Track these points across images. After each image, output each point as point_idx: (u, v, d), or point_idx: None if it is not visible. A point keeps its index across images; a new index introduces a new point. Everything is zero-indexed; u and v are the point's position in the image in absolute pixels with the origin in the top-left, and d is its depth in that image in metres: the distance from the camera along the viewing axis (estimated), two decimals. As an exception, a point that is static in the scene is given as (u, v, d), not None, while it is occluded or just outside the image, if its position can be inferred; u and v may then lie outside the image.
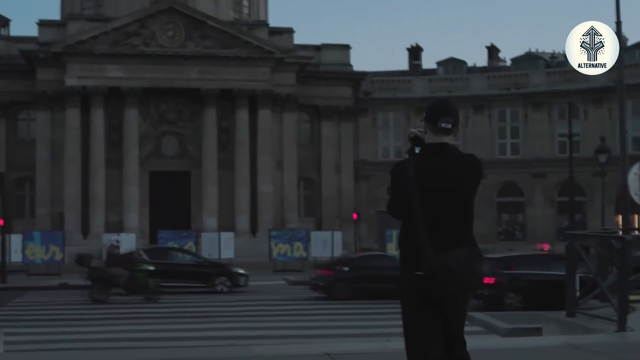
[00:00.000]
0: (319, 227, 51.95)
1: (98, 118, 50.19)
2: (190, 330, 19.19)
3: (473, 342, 13.60)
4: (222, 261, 36.90)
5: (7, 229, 38.67)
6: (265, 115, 52.07)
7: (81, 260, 28.81)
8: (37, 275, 38.40)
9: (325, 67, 55.82)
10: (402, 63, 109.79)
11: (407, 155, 5.20)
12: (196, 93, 51.02)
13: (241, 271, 31.77)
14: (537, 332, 14.59)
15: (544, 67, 59.73)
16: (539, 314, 16.03)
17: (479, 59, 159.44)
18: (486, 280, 20.94)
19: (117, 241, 29.62)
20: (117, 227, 47.94)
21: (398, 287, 5.12)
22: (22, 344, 17.01)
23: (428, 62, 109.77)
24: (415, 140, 5.18)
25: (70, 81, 49.58)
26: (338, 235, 44.01)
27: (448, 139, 5.11)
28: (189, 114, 52.26)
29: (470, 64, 64.55)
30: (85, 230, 49.52)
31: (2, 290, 31.47)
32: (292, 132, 53.97)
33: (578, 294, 13.35)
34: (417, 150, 5.16)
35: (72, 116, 49.90)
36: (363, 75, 57.18)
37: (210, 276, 30.88)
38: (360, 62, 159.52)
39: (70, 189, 49.46)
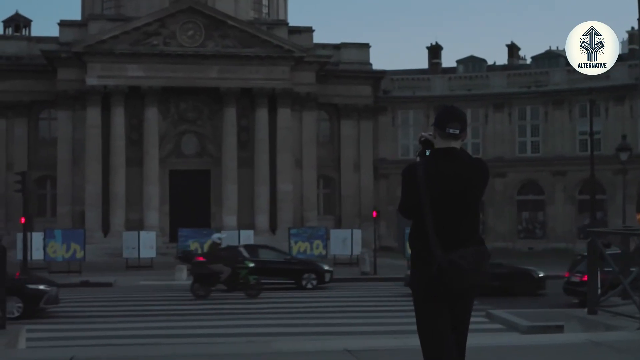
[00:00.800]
0: (338, 225, 51.93)
1: (118, 117, 50.41)
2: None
3: (493, 339, 13.58)
4: (309, 259, 37.11)
5: (29, 227, 38.94)
6: (284, 114, 52.11)
7: (185, 257, 29.27)
8: (58, 273, 38.63)
9: (344, 65, 55.79)
10: (421, 61, 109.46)
11: (417, 158, 5.44)
12: (216, 92, 51.13)
13: (326, 267, 32.20)
14: (559, 329, 14.52)
15: (565, 65, 59.35)
16: (560, 312, 15.96)
17: (499, 57, 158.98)
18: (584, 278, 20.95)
19: (220, 238, 30.13)
20: (137, 225, 48.14)
21: (410, 285, 5.43)
22: (43, 340, 17.13)
23: (448, 60, 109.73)
24: (426, 143, 5.43)
25: (91, 80, 49.82)
26: (357, 233, 43.99)
27: (456, 144, 5.35)
28: (209, 113, 52.39)
29: (490, 62, 64.32)
30: (105, 228, 49.76)
31: (23, 287, 31.57)
32: (311, 130, 53.99)
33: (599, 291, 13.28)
34: (427, 153, 5.40)
35: (93, 115, 50.14)
36: (382, 73, 57.11)
37: (299, 273, 31.23)
38: (379, 60, 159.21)
39: (91, 188, 49.71)
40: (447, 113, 5.41)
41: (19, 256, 36.89)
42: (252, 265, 28.45)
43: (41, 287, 22.58)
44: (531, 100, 56.02)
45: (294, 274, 31.36)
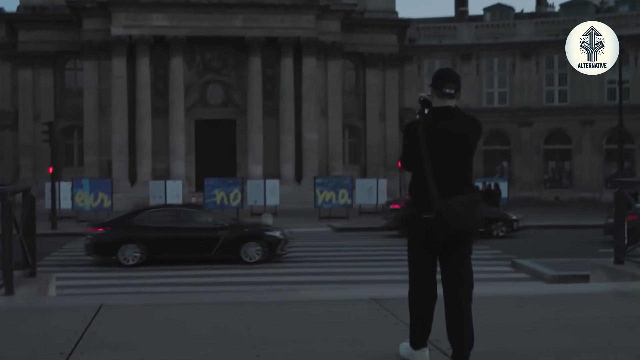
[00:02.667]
0: (363, 175, 51.95)
1: (144, 67, 50.41)
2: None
3: (518, 288, 13.63)
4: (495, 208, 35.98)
5: (57, 177, 39.30)
6: (310, 63, 51.87)
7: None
8: (86, 222, 39.06)
9: (370, 14, 55.27)
10: (448, 9, 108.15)
11: (417, 116, 5.92)
12: (241, 41, 50.91)
13: (514, 217, 32.18)
14: (584, 279, 14.52)
15: (594, 12, 58.49)
16: (586, 261, 15.95)
17: (527, 5, 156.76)
18: None
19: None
20: (163, 174, 48.44)
21: (409, 229, 5.96)
22: (73, 288, 17.40)
23: (475, 8, 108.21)
24: (425, 103, 5.90)
25: (116, 30, 49.77)
26: (383, 182, 44.01)
27: (452, 102, 5.85)
28: (234, 62, 52.26)
29: (517, 9, 63.56)
30: (132, 178, 50.11)
31: (53, 236, 32.08)
32: (336, 80, 53.74)
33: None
34: (426, 111, 5.89)
35: (118, 65, 50.18)
36: (408, 22, 56.53)
37: (489, 221, 31.00)
38: (405, 8, 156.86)
39: (117, 138, 49.96)
40: (444, 75, 5.90)
41: (47, 205, 37.31)
42: None
43: (277, 234, 23.90)
44: (559, 48, 54.64)
45: (487, 223, 30.82)
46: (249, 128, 51.09)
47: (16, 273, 10.21)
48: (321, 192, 42.00)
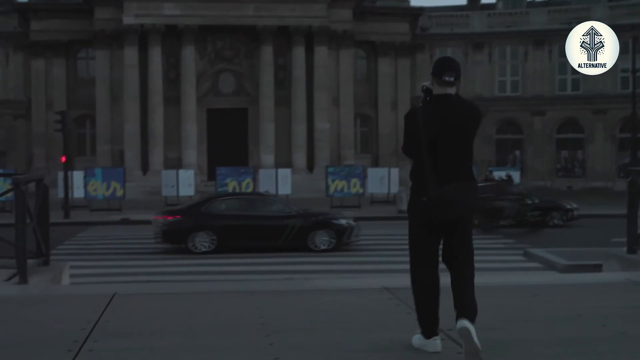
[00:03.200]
0: (375, 164, 51.92)
1: (156, 56, 50.46)
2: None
3: (530, 278, 13.62)
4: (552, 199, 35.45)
5: (70, 166, 39.47)
6: (321, 52, 51.80)
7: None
8: (98, 211, 39.25)
9: (381, 2, 55.12)
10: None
11: (420, 104, 6.06)
12: (252, 30, 50.88)
13: (569, 206, 32.16)
14: (597, 268, 14.50)
15: (607, 0, 58.18)
16: (599, 251, 15.91)
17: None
18: None
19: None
20: (176, 163, 48.53)
21: (407, 211, 6.19)
22: (86, 276, 17.49)
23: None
24: (427, 92, 6.03)
25: (128, 19, 49.80)
26: (395, 171, 43.99)
27: (451, 90, 5.97)
28: (246, 51, 52.24)
29: (530, -3, 63.15)
30: (144, 166, 50.23)
31: (66, 225, 32.24)
32: (348, 68, 53.68)
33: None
34: (428, 99, 6.04)
35: (130, 54, 50.24)
36: (420, 10, 56.35)
37: (546, 212, 31.06)
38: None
39: (130, 127, 50.07)
40: (444, 63, 6.07)
41: (60, 194, 37.49)
42: (534, 201, 28.98)
43: (345, 222, 24.20)
44: (572, 37, 54.94)
45: (542, 213, 30.81)
46: (260, 117, 51.11)
47: (30, 262, 10.28)
48: (333, 181, 42.04)
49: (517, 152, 56.45)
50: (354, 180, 41.95)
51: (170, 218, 23.88)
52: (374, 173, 43.90)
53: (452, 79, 5.94)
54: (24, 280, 9.79)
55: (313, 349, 6.14)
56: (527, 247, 22.42)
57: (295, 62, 51.43)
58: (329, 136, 51.84)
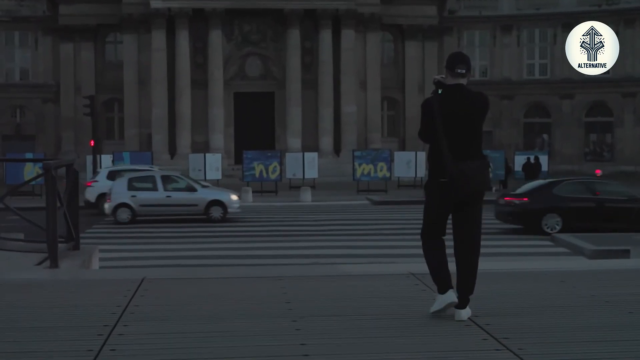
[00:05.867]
0: (402, 148, 51.83)
1: (183, 40, 50.62)
2: None
3: (557, 263, 13.59)
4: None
5: (98, 150, 39.78)
6: (348, 36, 51.69)
7: None
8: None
9: (409, -15, 54.85)
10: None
11: (432, 94, 6.79)
12: (279, 13, 50.86)
13: None
14: (625, 254, 14.44)
15: (638, -18, 57.44)
16: (627, 236, 15.83)
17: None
18: None
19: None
20: (203, 147, 48.73)
21: (425, 188, 6.90)
22: (116, 260, 17.67)
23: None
24: (439, 84, 6.77)
25: (155, 3, 49.96)
26: (421, 155, 43.71)
27: (463, 81, 6.74)
28: (272, 35, 52.25)
29: (559, -21, 62.46)
30: (172, 150, 50.51)
31: (93, 208, 32.38)
32: (375, 52, 53.53)
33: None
34: (439, 91, 6.76)
35: (158, 38, 50.44)
36: (448, -7, 56.04)
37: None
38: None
39: (157, 110, 50.33)
40: (456, 57, 6.85)
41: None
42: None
43: None
44: (602, 19, 53.70)
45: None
46: (287, 101, 51.16)
47: (60, 246, 10.40)
48: (360, 165, 41.99)
49: (545, 136, 56.08)
50: (380, 164, 41.86)
51: (522, 200, 24.33)
52: (400, 157, 43.75)
53: (464, 71, 6.72)
54: (55, 264, 9.91)
55: (340, 334, 6.19)
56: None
57: (322, 46, 51.37)
58: (355, 120, 51.81)
